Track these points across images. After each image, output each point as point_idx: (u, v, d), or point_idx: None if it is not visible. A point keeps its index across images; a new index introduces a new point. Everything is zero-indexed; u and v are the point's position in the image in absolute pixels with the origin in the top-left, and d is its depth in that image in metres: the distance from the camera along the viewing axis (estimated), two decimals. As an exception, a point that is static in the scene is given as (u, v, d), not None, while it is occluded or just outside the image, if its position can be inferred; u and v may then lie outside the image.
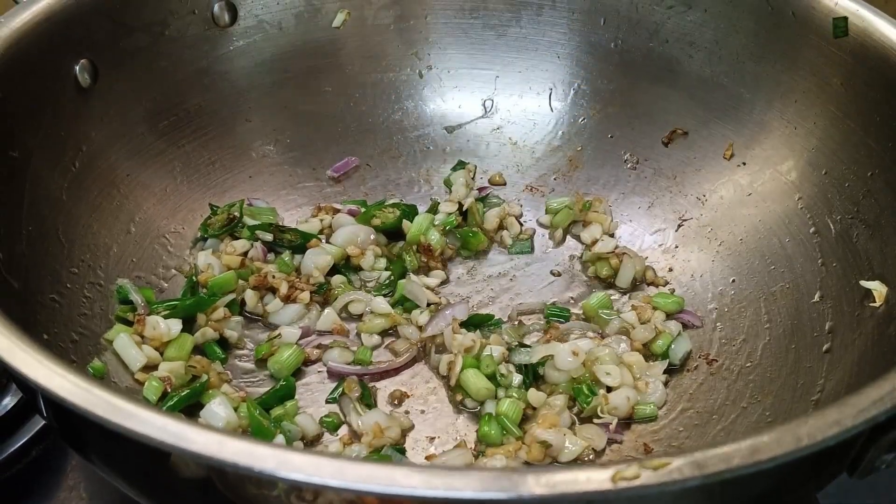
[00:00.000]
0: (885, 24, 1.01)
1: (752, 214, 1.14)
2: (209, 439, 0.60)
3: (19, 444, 1.04)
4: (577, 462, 0.95)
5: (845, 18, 1.05)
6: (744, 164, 1.16)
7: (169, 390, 0.97)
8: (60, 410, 0.74)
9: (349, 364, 1.06)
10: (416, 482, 0.58)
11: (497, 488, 0.58)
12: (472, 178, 1.24)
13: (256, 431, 0.95)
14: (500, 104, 1.30)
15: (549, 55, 1.28)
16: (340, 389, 1.02)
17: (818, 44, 1.08)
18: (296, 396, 1.03)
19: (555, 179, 1.27)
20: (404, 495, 0.58)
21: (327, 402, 1.03)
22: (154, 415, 0.63)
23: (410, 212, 1.20)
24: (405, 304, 1.11)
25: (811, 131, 1.10)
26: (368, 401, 1.01)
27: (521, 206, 1.26)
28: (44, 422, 1.05)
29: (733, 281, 1.13)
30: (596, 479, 0.59)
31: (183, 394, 0.96)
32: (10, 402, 1.05)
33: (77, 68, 1.05)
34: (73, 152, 1.05)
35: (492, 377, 1.02)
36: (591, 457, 0.97)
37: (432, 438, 0.99)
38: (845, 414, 0.64)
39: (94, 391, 0.66)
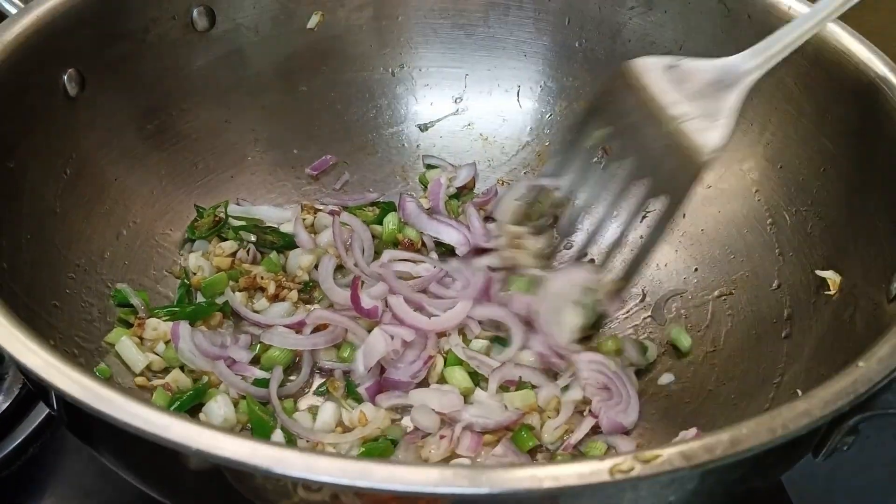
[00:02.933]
0: (839, 30, 1.08)
1: (713, 207, 1.20)
2: (241, 447, 0.65)
3: (17, 443, 1.07)
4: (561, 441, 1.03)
5: (797, 23, 1.11)
6: (704, 158, 1.23)
7: (170, 395, 1.02)
8: (74, 411, 0.78)
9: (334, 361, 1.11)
10: (433, 479, 0.64)
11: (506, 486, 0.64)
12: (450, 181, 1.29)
13: (256, 426, 1.00)
14: (471, 102, 1.35)
15: (517, 54, 1.33)
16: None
17: (772, 46, 1.14)
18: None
19: (525, 174, 1.32)
20: (424, 493, 0.64)
21: (314, 394, 1.08)
22: (178, 422, 0.67)
23: (389, 209, 1.25)
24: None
25: (766, 127, 1.16)
26: (355, 395, 1.06)
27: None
28: (41, 419, 1.08)
29: (696, 270, 1.19)
30: (596, 471, 0.65)
31: (186, 396, 1.01)
32: (2, 401, 1.08)
33: (65, 78, 1.08)
34: (64, 160, 1.08)
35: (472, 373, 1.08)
36: (570, 438, 1.03)
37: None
38: (813, 405, 0.71)
39: (114, 399, 0.69)
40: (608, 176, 1.12)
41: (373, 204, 1.26)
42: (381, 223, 1.23)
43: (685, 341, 1.12)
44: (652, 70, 1.04)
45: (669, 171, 1.02)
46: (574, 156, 1.14)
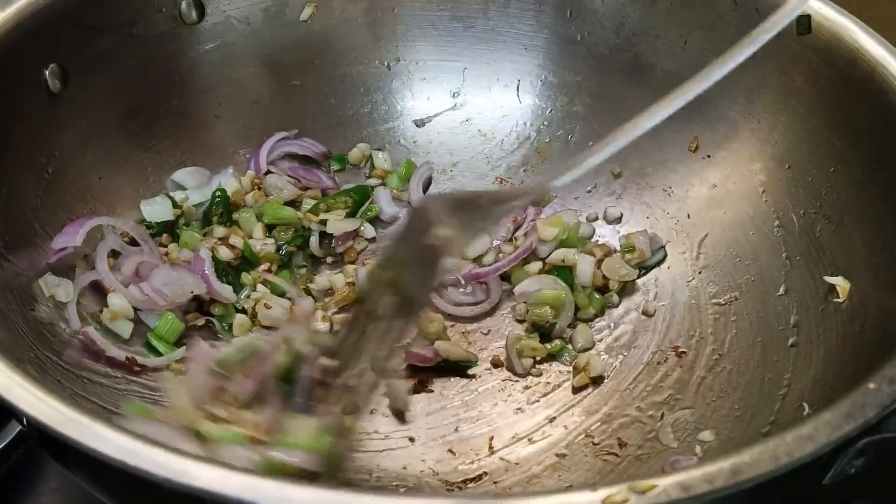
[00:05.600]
0: (853, 25, 1.04)
1: (718, 207, 1.17)
2: (211, 475, 0.62)
3: (-3, 450, 1.05)
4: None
5: (808, 17, 1.07)
6: (708, 157, 1.19)
7: None
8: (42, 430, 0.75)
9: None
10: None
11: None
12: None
13: None
14: (469, 96, 1.31)
15: (517, 47, 1.28)
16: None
17: (782, 41, 1.09)
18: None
19: (524, 171, 1.28)
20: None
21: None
22: (146, 448, 0.64)
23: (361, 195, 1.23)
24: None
25: (775, 126, 1.12)
26: None
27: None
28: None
29: (700, 272, 1.15)
30: (588, 503, 0.61)
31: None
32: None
33: (47, 74, 1.05)
34: (46, 159, 1.05)
35: None
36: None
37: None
38: (819, 431, 0.67)
39: (81, 421, 0.66)
40: None
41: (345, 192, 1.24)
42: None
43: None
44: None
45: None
46: None
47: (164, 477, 0.62)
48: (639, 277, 1.18)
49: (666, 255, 1.18)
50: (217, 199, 1.16)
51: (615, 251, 1.19)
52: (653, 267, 1.18)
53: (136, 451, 0.63)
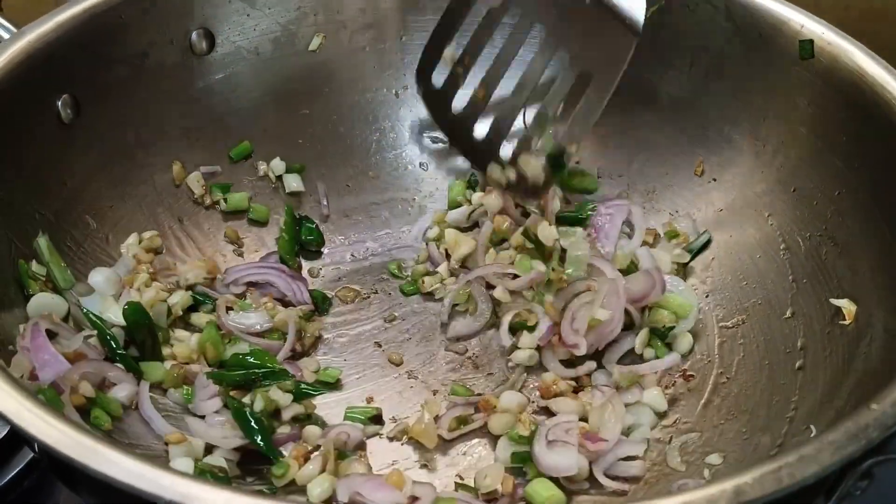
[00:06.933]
0: (854, 48, 1.05)
1: (724, 231, 1.18)
2: (216, 497, 0.63)
3: (10, 476, 1.05)
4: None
5: (811, 41, 1.08)
6: (714, 180, 1.20)
7: None
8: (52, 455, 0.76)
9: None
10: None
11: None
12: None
13: None
14: (476, 123, 1.32)
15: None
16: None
17: (785, 65, 1.11)
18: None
19: (533, 194, 1.29)
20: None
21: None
22: (152, 470, 0.65)
23: None
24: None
25: (779, 150, 1.13)
26: None
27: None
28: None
29: (707, 296, 1.16)
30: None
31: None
32: (-1, 427, 1.06)
33: (59, 104, 1.07)
34: (58, 187, 1.07)
35: None
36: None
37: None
38: (822, 452, 0.67)
39: (87, 444, 0.68)
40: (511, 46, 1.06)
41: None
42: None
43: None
44: None
45: (594, 46, 0.96)
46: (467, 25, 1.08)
47: (170, 500, 0.62)
48: (690, 262, 1.18)
49: (711, 239, 1.18)
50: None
51: (659, 235, 1.21)
52: (700, 251, 1.18)
53: (143, 475, 0.64)
